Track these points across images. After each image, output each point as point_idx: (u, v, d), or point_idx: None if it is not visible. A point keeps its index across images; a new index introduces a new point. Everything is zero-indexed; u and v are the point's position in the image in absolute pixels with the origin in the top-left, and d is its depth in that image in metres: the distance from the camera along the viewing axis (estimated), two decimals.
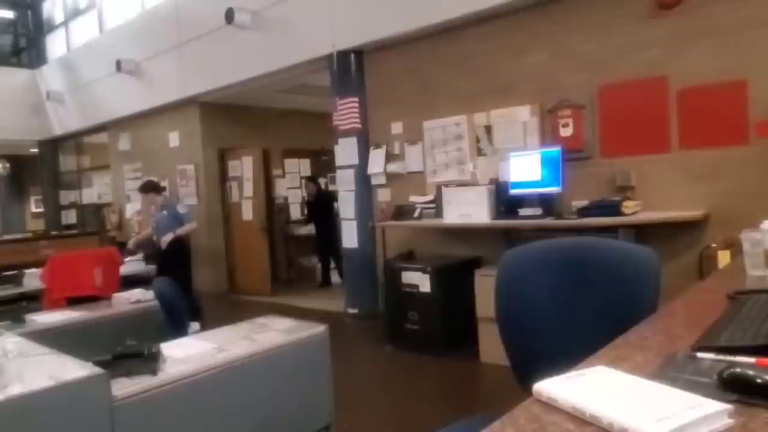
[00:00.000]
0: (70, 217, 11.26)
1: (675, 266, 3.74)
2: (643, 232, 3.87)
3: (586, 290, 1.50)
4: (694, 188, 3.84)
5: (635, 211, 3.82)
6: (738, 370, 0.77)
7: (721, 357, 0.89)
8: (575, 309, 1.50)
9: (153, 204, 5.91)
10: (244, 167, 7.92)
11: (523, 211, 4.23)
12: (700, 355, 0.92)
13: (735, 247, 3.10)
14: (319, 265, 8.21)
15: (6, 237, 9.38)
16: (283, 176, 8.85)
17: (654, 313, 1.31)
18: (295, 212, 8.99)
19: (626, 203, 3.81)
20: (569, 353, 1.10)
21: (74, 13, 10.47)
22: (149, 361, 2.01)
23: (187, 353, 2.24)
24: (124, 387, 1.87)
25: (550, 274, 1.55)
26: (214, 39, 6.93)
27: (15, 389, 1.64)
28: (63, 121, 10.35)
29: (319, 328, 2.59)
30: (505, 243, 4.48)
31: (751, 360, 0.84)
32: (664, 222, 3.79)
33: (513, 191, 4.35)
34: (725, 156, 3.72)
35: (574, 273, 1.53)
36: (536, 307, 1.55)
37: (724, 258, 3.11)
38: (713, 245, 3.57)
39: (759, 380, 0.75)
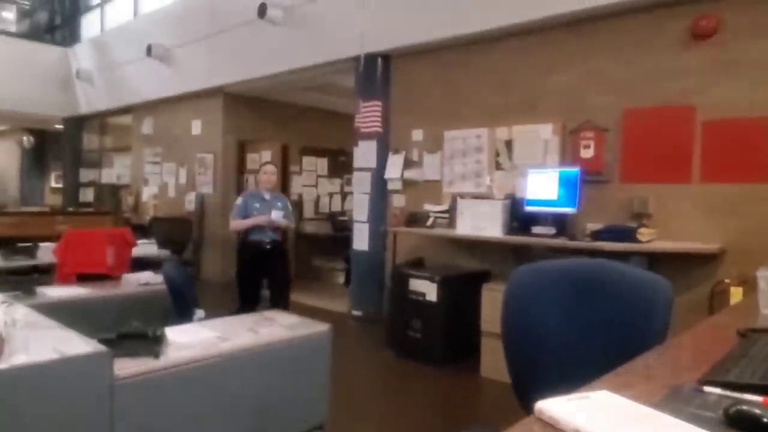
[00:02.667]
0: (87, 195, 11.40)
1: (685, 298, 3.69)
2: (656, 261, 3.82)
3: (595, 314, 1.48)
4: (712, 221, 3.79)
5: (650, 239, 3.78)
6: (745, 407, 0.76)
7: (728, 393, 0.88)
8: (582, 332, 1.49)
9: (273, 188, 4.62)
10: (263, 160, 7.97)
11: (536, 229, 4.20)
12: (706, 389, 0.90)
13: (748, 285, 3.06)
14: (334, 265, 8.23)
15: (24, 209, 9.54)
16: (299, 173, 8.89)
17: (662, 343, 1.29)
18: (309, 210, 9.02)
19: (642, 230, 3.77)
20: (572, 376, 1.09)
21: None
22: (152, 344, 2.03)
23: (190, 339, 2.26)
24: (125, 367, 1.89)
25: (560, 295, 1.54)
26: (245, 32, 7.00)
27: (20, 359, 1.67)
28: (90, 99, 10.51)
29: (323, 327, 2.60)
30: (515, 259, 4.46)
31: (759, 399, 0.83)
32: (678, 252, 3.75)
33: (528, 208, 4.32)
34: (746, 191, 3.67)
35: (584, 295, 1.51)
36: (543, 326, 1.54)
37: (736, 295, 3.07)
38: (726, 281, 3.52)
39: (766, 420, 0.73)
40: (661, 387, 0.94)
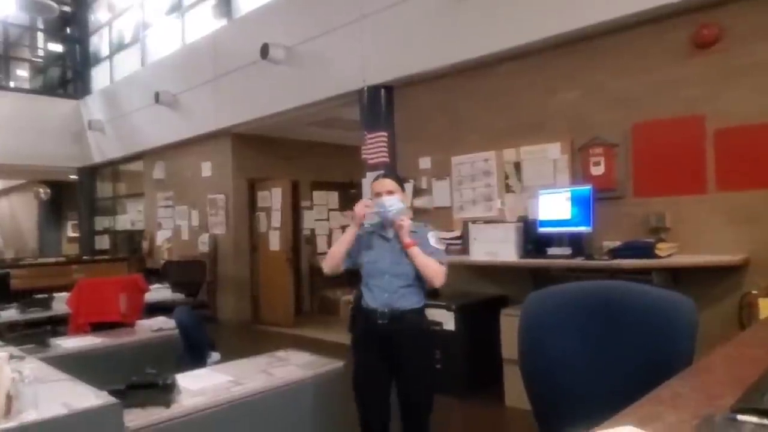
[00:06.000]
0: (103, 242, 11.53)
1: (713, 313, 3.57)
2: (678, 275, 3.72)
3: (615, 339, 1.41)
4: (733, 231, 3.69)
5: (670, 254, 3.68)
6: None
7: (765, 421, 0.81)
8: (603, 358, 1.42)
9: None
10: (273, 198, 8.01)
11: (552, 250, 4.12)
12: (741, 417, 0.84)
13: None
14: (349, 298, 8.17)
15: (40, 260, 9.65)
16: (311, 208, 8.91)
17: (689, 366, 1.22)
18: (322, 244, 9.00)
19: (660, 245, 3.67)
20: (595, 405, 1.03)
21: (119, 48, 10.96)
22: (163, 393, 1.99)
23: (202, 385, 2.21)
24: (136, 418, 1.85)
25: (577, 320, 1.47)
26: (249, 73, 7.12)
27: (29, 416, 1.64)
28: (102, 149, 10.72)
29: (337, 364, 2.54)
30: (532, 282, 4.36)
31: None
32: (700, 266, 3.64)
33: (542, 229, 4.25)
34: (764, 198, 3.57)
35: (603, 320, 1.44)
36: (561, 354, 1.47)
37: (765, 306, 2.96)
38: (754, 292, 3.39)
39: None
40: (691, 417, 0.87)
